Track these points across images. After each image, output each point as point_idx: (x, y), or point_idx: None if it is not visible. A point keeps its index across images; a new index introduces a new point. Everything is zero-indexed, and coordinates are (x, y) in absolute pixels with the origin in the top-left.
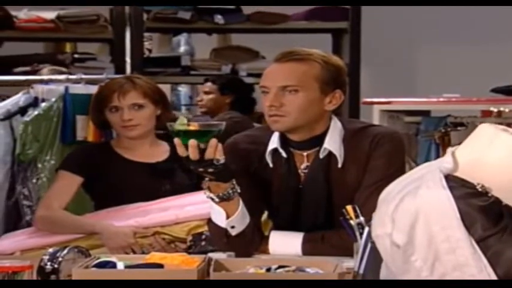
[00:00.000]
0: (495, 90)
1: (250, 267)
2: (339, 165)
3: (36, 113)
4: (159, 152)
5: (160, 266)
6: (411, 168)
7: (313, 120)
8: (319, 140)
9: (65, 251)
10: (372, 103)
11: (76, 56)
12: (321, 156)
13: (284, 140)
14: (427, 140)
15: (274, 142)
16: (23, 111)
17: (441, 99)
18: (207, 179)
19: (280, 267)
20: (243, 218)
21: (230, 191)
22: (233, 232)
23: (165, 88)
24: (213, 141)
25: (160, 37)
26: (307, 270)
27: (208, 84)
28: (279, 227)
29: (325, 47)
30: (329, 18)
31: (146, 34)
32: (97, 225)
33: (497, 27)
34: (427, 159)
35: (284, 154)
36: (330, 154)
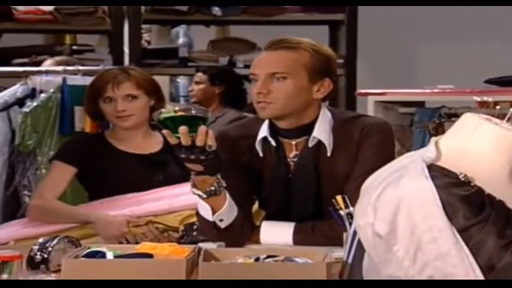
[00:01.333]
0: (489, 81)
1: (239, 257)
2: (328, 154)
3: (35, 104)
4: (153, 143)
5: (150, 256)
6: None
7: (301, 108)
8: (308, 128)
9: (55, 241)
10: (367, 94)
11: (74, 47)
12: (310, 144)
13: (273, 129)
14: (421, 130)
15: (263, 131)
16: (20, 102)
17: (435, 91)
18: (193, 174)
19: (269, 257)
20: (231, 211)
21: (216, 186)
22: (222, 225)
23: (164, 79)
24: (202, 128)
25: (159, 29)
26: (296, 260)
27: (199, 74)
28: (270, 216)
29: (321, 39)
30: (326, 10)
31: (145, 26)
32: (91, 215)
33: (495, 21)
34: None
35: (273, 143)
36: (319, 143)
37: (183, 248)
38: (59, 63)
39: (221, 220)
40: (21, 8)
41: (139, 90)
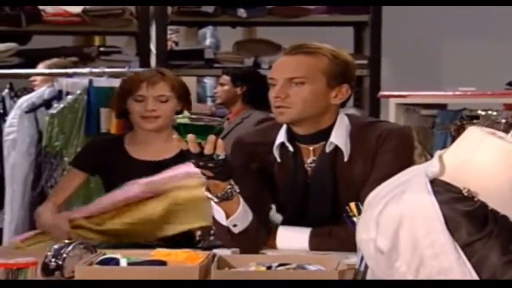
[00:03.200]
0: (511, 84)
1: (253, 264)
2: (345, 159)
3: (61, 105)
4: (171, 148)
5: (164, 263)
6: (427, 160)
7: (318, 113)
8: (325, 134)
9: (70, 247)
10: (389, 96)
11: (102, 49)
12: (327, 150)
13: (291, 134)
14: (442, 132)
15: (281, 136)
16: (47, 104)
17: (457, 93)
18: (205, 178)
19: (281, 264)
20: (245, 216)
21: (229, 191)
22: (235, 230)
23: (191, 80)
24: (211, 137)
25: (186, 30)
26: (309, 267)
27: (224, 76)
28: (286, 221)
29: (346, 40)
30: (350, 11)
31: (173, 27)
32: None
33: None
34: None
35: (291, 148)
36: (337, 148)
37: (198, 254)
38: (50, 67)
39: (235, 225)
40: (49, 9)
41: (172, 92)
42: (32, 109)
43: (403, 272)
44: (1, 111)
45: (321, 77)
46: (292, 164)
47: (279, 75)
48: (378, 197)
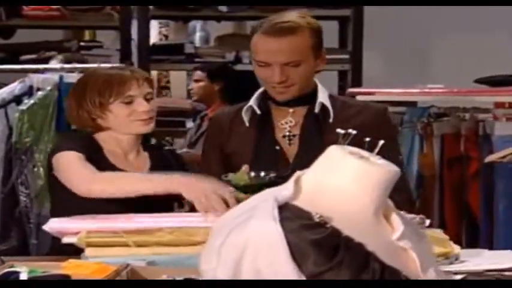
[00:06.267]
0: (479, 81)
1: (165, 276)
2: (331, 121)
3: (32, 101)
4: (143, 163)
5: (67, 276)
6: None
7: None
8: (307, 97)
9: None
10: (357, 94)
11: (82, 43)
12: (317, 110)
13: (268, 98)
14: (410, 131)
15: (251, 100)
16: (18, 99)
17: (425, 90)
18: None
19: None
20: None
21: None
22: None
23: (181, 74)
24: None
25: (175, 23)
26: None
27: (198, 72)
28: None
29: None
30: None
31: (163, 21)
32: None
33: (501, 14)
34: (410, 150)
35: (258, 111)
36: (323, 109)
37: (109, 266)
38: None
39: None
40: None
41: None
42: (2, 105)
43: None
44: None
45: (310, 52)
46: (261, 126)
47: (273, 60)
48: (224, 223)
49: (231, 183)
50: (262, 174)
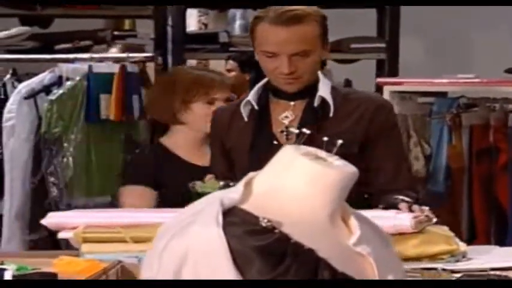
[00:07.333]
0: (510, 71)
1: None
2: (331, 115)
3: (61, 91)
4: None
5: (54, 275)
6: (423, 150)
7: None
8: (309, 90)
9: None
10: (384, 83)
11: (116, 33)
12: (316, 104)
13: (271, 90)
14: (439, 121)
15: (250, 95)
16: (47, 89)
17: (453, 80)
18: None
19: None
20: None
21: None
22: None
23: (221, 64)
24: None
25: (216, 12)
26: None
27: (230, 62)
28: None
29: (368, 23)
30: None
31: (202, 9)
32: None
33: None
34: (439, 141)
35: (256, 106)
36: (323, 103)
37: (99, 263)
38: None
39: None
40: None
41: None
42: (31, 95)
43: None
44: (2, 96)
45: (318, 42)
46: (259, 120)
47: (281, 51)
48: (169, 225)
49: (197, 192)
50: (231, 184)
